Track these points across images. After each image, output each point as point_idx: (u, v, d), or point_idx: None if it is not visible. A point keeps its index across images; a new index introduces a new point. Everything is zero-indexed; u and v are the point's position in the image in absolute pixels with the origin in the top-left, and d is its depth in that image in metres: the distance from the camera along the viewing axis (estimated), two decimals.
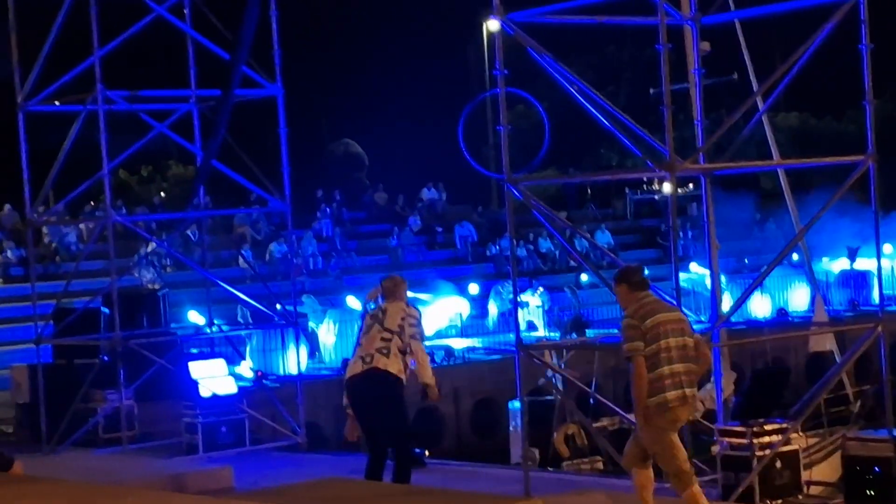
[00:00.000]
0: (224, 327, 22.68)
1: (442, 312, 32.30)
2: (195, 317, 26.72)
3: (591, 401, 19.13)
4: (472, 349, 30.51)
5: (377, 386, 11.90)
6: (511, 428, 21.97)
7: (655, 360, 10.35)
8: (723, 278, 32.06)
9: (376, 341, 12.01)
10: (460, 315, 32.21)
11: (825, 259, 35.21)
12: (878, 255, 14.97)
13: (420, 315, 12.31)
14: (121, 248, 28.10)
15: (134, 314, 20.85)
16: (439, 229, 41.20)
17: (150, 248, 31.42)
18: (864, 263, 36.43)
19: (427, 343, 14.02)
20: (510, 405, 22.38)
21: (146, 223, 32.99)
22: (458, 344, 30.66)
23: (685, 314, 11.05)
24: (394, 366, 11.91)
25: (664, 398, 10.34)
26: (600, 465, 19.29)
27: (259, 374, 24.73)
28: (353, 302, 31.26)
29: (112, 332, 18.44)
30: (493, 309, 33.81)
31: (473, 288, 34.67)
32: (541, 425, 21.12)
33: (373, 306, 12.57)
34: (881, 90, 43.18)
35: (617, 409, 16.69)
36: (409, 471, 12.22)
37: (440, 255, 39.92)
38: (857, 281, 37.08)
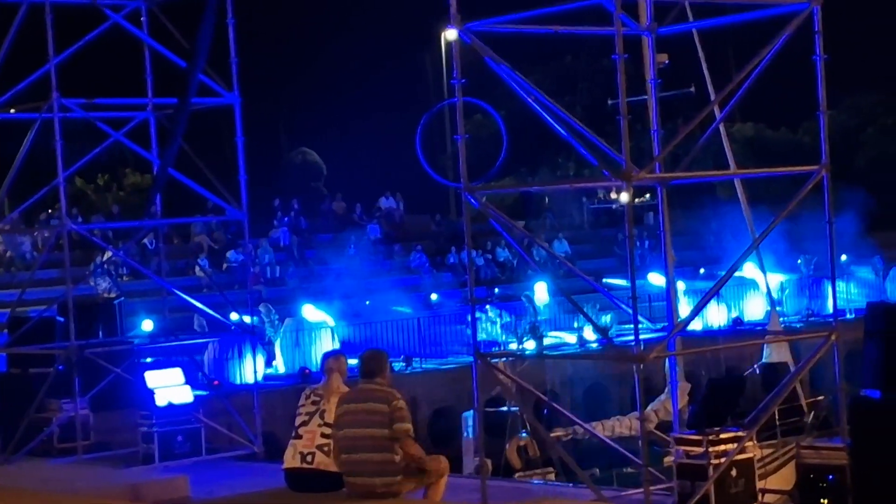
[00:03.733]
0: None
1: None
2: (147, 325, 26.59)
3: (545, 411, 19.14)
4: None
5: (323, 488, 11.61)
6: (464, 437, 21.98)
7: None
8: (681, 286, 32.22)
9: (316, 437, 11.62)
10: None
11: (770, 275, 35.33)
12: (832, 265, 15.04)
13: None
14: (76, 257, 28.00)
15: (89, 323, 20.65)
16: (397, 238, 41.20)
17: (106, 257, 31.24)
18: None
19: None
20: (464, 415, 22.39)
21: (102, 232, 32.88)
22: None
23: None
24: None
25: None
26: (552, 477, 19.35)
27: (215, 382, 24.64)
28: (309, 312, 31.16)
29: (67, 341, 18.34)
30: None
31: (433, 298, 34.65)
32: (493, 436, 21.13)
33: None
34: (835, 101, 43.47)
35: (574, 418, 16.70)
36: None
37: (398, 264, 39.88)
38: (811, 290, 37.35)
